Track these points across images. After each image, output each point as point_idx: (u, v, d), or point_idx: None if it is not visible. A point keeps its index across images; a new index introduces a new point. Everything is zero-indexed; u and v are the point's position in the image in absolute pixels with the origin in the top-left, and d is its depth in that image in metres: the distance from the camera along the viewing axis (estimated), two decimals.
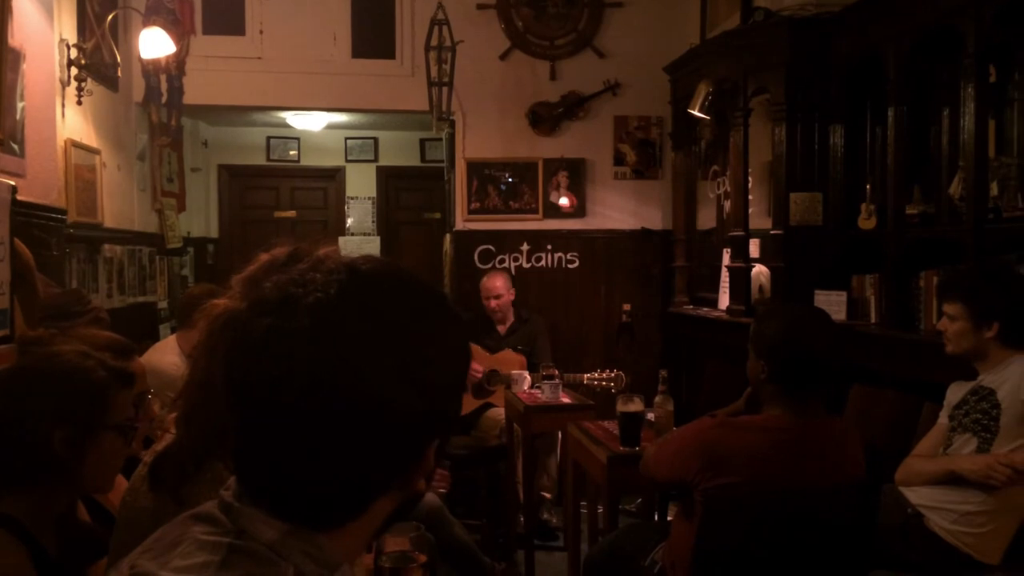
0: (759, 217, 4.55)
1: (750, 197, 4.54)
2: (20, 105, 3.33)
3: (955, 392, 2.73)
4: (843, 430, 2.34)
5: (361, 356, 0.79)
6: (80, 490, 1.63)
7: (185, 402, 1.45)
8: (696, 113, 4.74)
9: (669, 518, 3.35)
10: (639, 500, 4.57)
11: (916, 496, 2.64)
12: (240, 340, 0.82)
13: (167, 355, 3.43)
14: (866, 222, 3.86)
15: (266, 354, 0.79)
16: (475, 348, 4.68)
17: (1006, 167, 3.20)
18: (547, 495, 4.68)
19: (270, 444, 0.81)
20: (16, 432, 1.48)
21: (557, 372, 4.21)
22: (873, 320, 3.79)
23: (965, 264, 3.14)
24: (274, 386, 0.79)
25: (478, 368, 4.67)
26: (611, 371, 4.62)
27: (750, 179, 4.54)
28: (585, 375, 4.60)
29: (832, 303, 3.93)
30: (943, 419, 2.75)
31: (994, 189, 3.19)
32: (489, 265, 5.55)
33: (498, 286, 5.01)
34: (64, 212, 3.88)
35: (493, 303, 4.97)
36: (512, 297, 5.06)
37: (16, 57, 3.25)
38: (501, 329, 5.00)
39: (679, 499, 2.52)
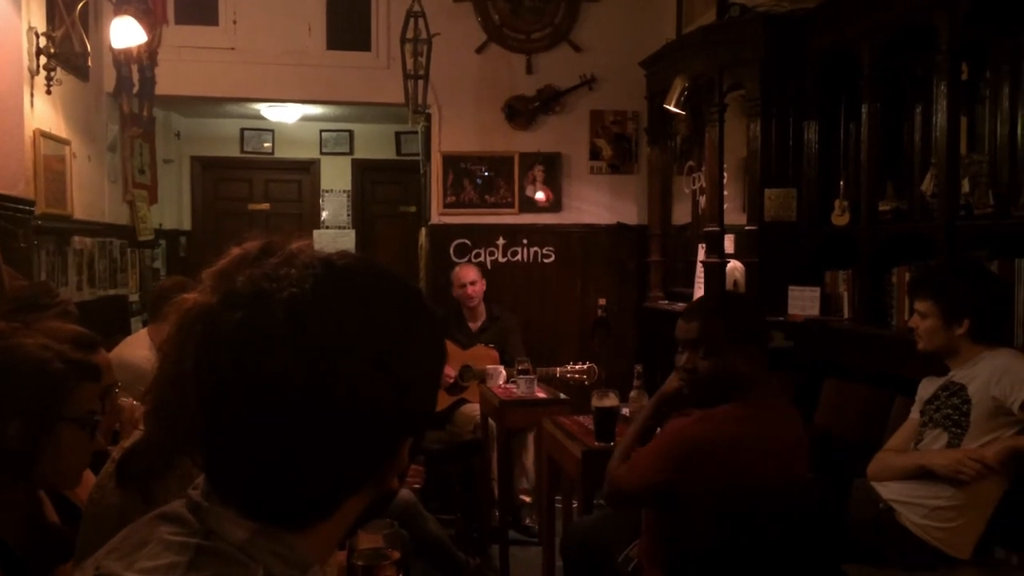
0: (734, 213, 4.56)
1: (725, 193, 4.55)
2: None
3: (926, 387, 2.76)
4: (799, 421, 2.36)
5: (335, 352, 0.77)
6: (41, 485, 1.60)
7: (154, 397, 1.42)
8: (672, 108, 4.75)
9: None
10: None
11: (887, 491, 2.66)
12: (211, 335, 0.80)
13: (138, 349, 3.38)
14: (839, 218, 3.89)
15: (238, 349, 0.78)
16: (448, 344, 4.66)
17: (977, 164, 3.23)
18: (526, 499, 4.59)
19: (240, 441, 0.79)
20: None
21: (531, 366, 4.21)
22: (846, 316, 3.82)
23: (936, 261, 3.17)
24: (245, 382, 0.77)
25: (449, 372, 4.64)
26: (584, 364, 4.63)
27: (725, 175, 4.55)
28: (558, 368, 4.61)
29: (806, 299, 3.96)
30: (914, 414, 2.77)
31: (966, 186, 3.22)
32: (465, 259, 5.53)
33: (470, 273, 5.01)
34: (32, 203, 3.82)
35: (469, 289, 4.94)
36: (483, 287, 5.04)
37: None
38: (473, 326, 4.98)
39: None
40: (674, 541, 2.28)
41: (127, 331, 4.78)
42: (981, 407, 2.54)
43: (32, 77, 3.98)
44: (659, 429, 2.43)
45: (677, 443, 2.23)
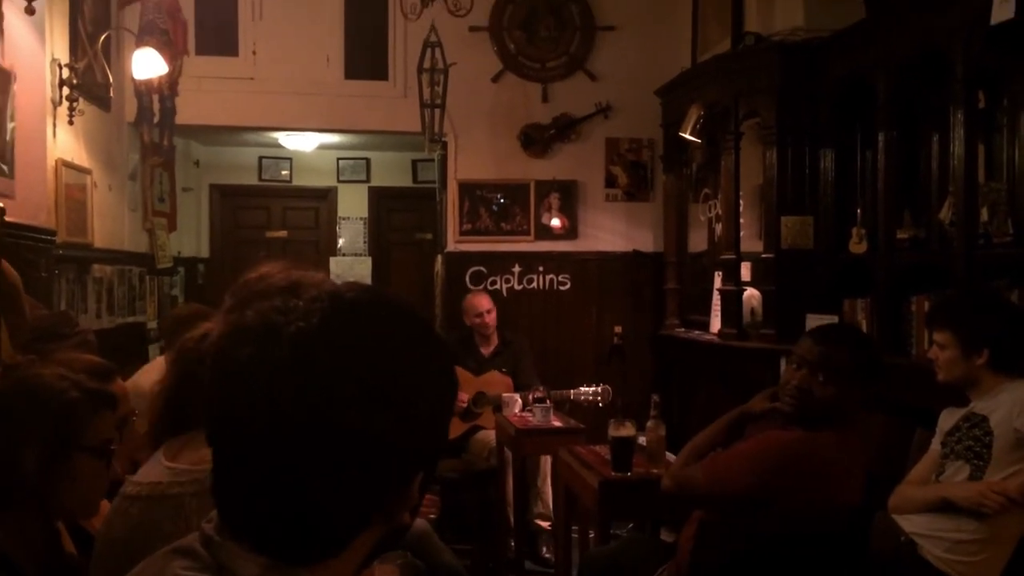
0: (750, 240, 4.55)
1: (741, 220, 4.55)
2: (10, 126, 3.32)
3: (947, 419, 2.72)
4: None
5: (342, 387, 0.77)
6: (59, 514, 1.60)
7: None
8: (687, 136, 4.76)
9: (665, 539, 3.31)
10: (631, 525, 4.54)
11: (909, 524, 2.62)
12: (220, 370, 0.80)
13: (155, 377, 3.38)
14: (857, 246, 3.87)
15: (246, 384, 0.78)
16: (459, 371, 4.64)
17: (996, 192, 3.22)
18: (544, 524, 4.54)
19: (248, 476, 0.79)
20: None
21: (547, 394, 4.20)
22: None
23: (952, 290, 3.14)
24: (253, 416, 0.77)
25: (462, 398, 4.63)
26: (598, 386, 4.62)
27: (741, 202, 4.55)
28: (572, 391, 4.60)
29: None
30: (935, 446, 2.73)
31: (984, 214, 3.20)
32: (480, 286, 5.54)
33: (485, 302, 5.01)
34: (53, 233, 3.86)
35: (487, 317, 4.93)
36: (496, 314, 5.04)
37: (6, 78, 3.25)
38: (485, 351, 4.96)
39: (675, 524, 2.49)
40: (716, 559, 2.27)
41: (145, 359, 4.80)
42: (1003, 439, 2.50)
43: (55, 108, 4.04)
44: (742, 439, 2.42)
45: (780, 455, 2.23)
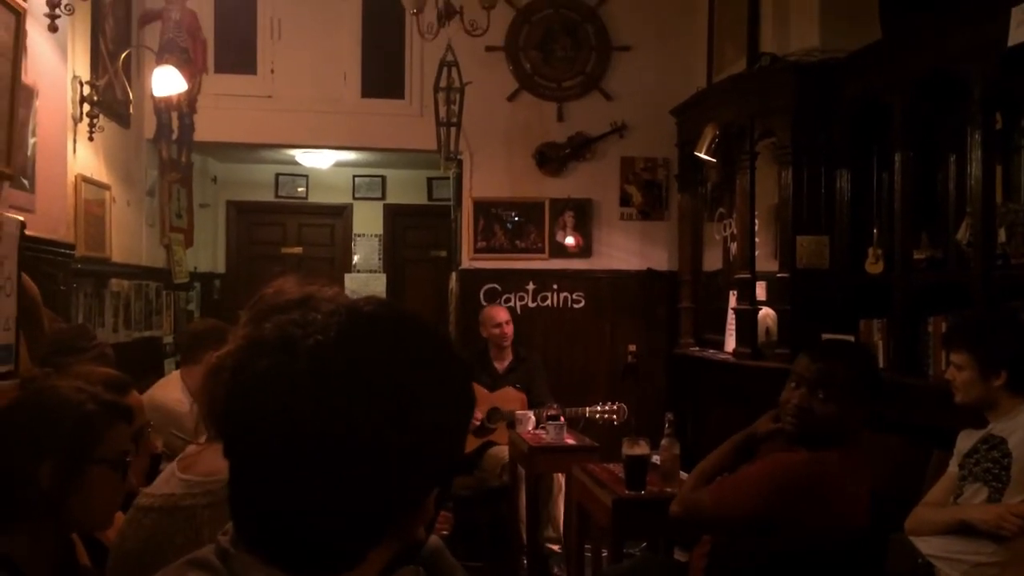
0: (765, 260, 4.54)
1: (756, 240, 4.54)
2: (32, 141, 3.36)
3: (965, 440, 2.70)
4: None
5: (358, 400, 0.77)
6: (73, 527, 1.61)
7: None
8: (703, 156, 4.76)
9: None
10: (644, 544, 4.51)
11: (926, 546, 2.60)
12: (238, 382, 0.81)
13: (170, 391, 3.41)
14: (873, 266, 3.85)
15: (264, 397, 0.78)
16: (474, 386, 4.64)
17: (1013, 213, 3.20)
18: (555, 547, 4.50)
19: (265, 488, 0.79)
20: (4, 466, 1.46)
21: (560, 411, 4.19)
22: (881, 365, 3.76)
23: (970, 311, 3.12)
24: (270, 429, 0.77)
25: (477, 415, 4.62)
26: (613, 404, 4.60)
27: (756, 222, 4.54)
28: (587, 408, 4.59)
29: None
30: (953, 468, 2.71)
31: (1002, 235, 3.18)
32: (495, 303, 5.54)
33: (504, 313, 5.01)
34: (72, 247, 3.89)
35: (505, 328, 4.92)
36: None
37: (29, 94, 3.29)
38: (499, 366, 4.96)
39: (688, 544, 2.48)
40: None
41: (160, 373, 4.83)
42: (1022, 461, 2.48)
43: (75, 124, 4.09)
44: (749, 461, 2.40)
45: (788, 477, 2.20)
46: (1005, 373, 2.56)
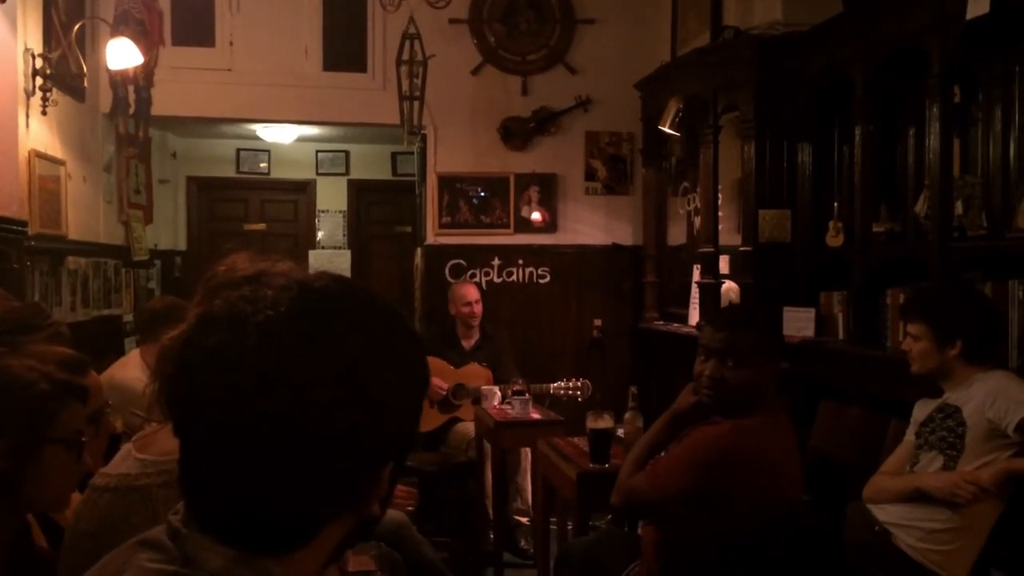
0: (729, 233, 4.57)
1: (720, 214, 4.56)
2: None
3: (921, 409, 2.75)
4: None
5: (308, 375, 0.76)
6: (28, 507, 1.58)
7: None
8: (666, 130, 4.77)
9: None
10: (609, 517, 4.55)
11: (883, 514, 2.65)
12: (187, 359, 0.79)
13: (130, 370, 3.37)
14: (834, 239, 3.89)
15: (212, 372, 0.77)
16: (439, 362, 4.64)
17: (971, 186, 3.24)
18: (523, 520, 4.54)
19: (215, 467, 0.78)
20: None
21: (526, 386, 4.20)
22: (841, 337, 3.82)
23: (927, 283, 3.17)
24: (219, 405, 0.76)
25: (442, 385, 4.62)
26: (577, 380, 4.63)
27: (720, 196, 4.56)
28: (552, 385, 4.61)
29: (800, 320, 3.96)
30: (909, 436, 2.76)
31: (959, 208, 3.23)
32: (461, 279, 5.53)
33: (475, 292, 4.96)
34: (25, 224, 3.81)
35: (476, 307, 4.88)
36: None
37: None
38: (466, 344, 4.94)
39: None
40: (679, 557, 2.26)
41: (120, 352, 4.76)
42: (976, 429, 2.53)
43: (28, 98, 3.99)
44: (677, 440, 2.40)
45: (713, 451, 2.21)
46: (960, 343, 2.60)
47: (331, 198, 7.76)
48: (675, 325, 5.06)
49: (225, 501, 0.78)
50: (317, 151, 7.63)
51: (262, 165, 7.57)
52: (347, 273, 7.35)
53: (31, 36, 4.02)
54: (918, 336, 2.69)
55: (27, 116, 3.97)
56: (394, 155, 7.60)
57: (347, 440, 0.78)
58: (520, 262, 5.70)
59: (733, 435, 2.21)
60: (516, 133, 5.67)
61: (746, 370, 2.25)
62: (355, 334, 0.81)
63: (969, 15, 2.98)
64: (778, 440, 2.25)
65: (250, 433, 0.76)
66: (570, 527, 3.48)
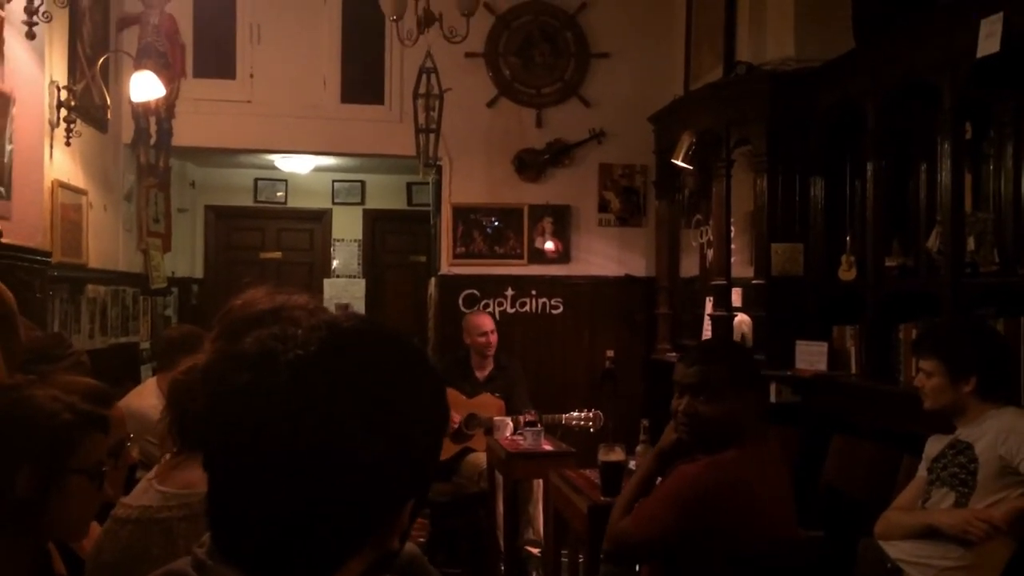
0: (741, 266, 4.59)
1: (732, 246, 4.58)
2: (8, 148, 3.35)
3: (933, 445, 2.74)
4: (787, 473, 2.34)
5: (335, 412, 0.79)
6: (48, 536, 1.61)
7: None
8: (679, 163, 4.80)
9: None
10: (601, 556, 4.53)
11: (895, 550, 2.64)
12: (218, 395, 0.83)
13: (146, 398, 3.40)
14: (846, 273, 3.90)
15: (242, 408, 0.80)
16: (452, 392, 4.65)
17: (982, 222, 3.26)
18: (534, 551, 4.50)
19: (242, 499, 0.81)
20: None
21: (538, 418, 4.22)
22: (854, 371, 3.81)
23: (940, 319, 3.17)
24: (249, 441, 0.79)
25: (454, 415, 4.63)
26: (589, 411, 4.63)
27: (732, 228, 4.59)
28: (564, 415, 4.61)
29: (813, 353, 3.96)
30: (922, 472, 2.75)
31: (971, 244, 3.24)
32: (474, 309, 5.55)
33: (490, 322, 4.99)
34: (49, 255, 3.87)
35: (491, 337, 4.90)
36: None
37: (6, 101, 3.28)
38: (480, 374, 4.96)
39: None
40: None
41: (137, 379, 4.80)
42: (988, 466, 2.52)
43: (52, 129, 4.07)
44: (660, 479, 2.41)
45: (688, 489, 2.19)
46: (974, 379, 2.60)
47: (347, 227, 7.83)
48: None
49: (251, 534, 0.81)
50: (333, 181, 7.71)
51: (279, 194, 7.65)
52: (361, 302, 7.40)
53: (56, 68, 4.11)
54: (931, 372, 2.68)
55: (51, 147, 4.05)
56: (409, 185, 7.67)
57: (371, 475, 0.81)
58: (533, 293, 5.73)
59: (708, 471, 2.19)
60: (530, 165, 5.72)
61: (720, 403, 2.23)
62: (381, 373, 0.84)
63: (980, 53, 3.01)
64: (759, 472, 2.21)
65: (278, 468, 0.79)
66: (581, 560, 3.47)
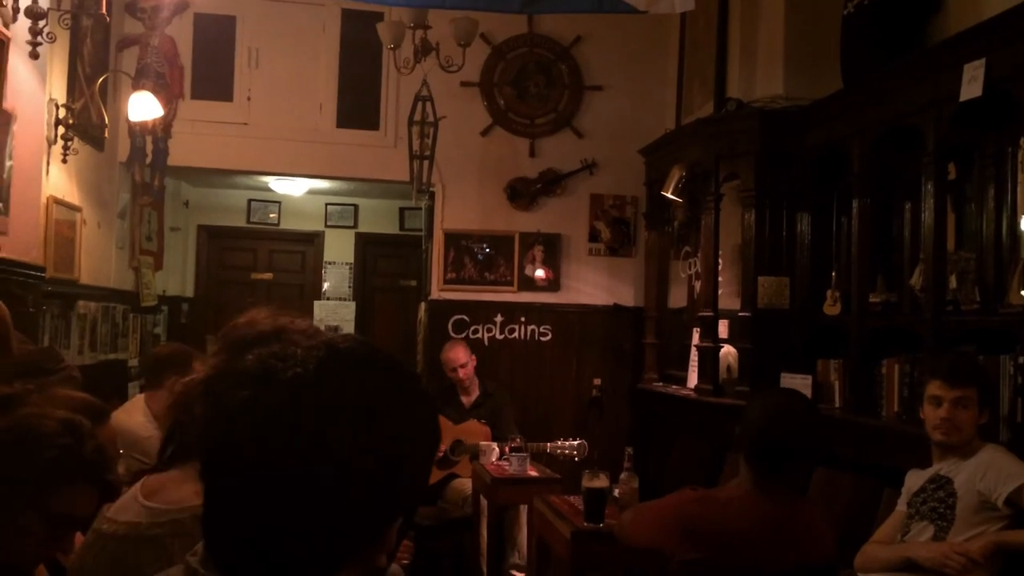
0: (728, 298, 4.64)
1: (720, 279, 4.64)
2: (8, 164, 3.38)
3: (913, 479, 2.78)
4: (812, 513, 2.37)
5: (332, 431, 0.82)
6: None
7: None
8: (669, 195, 4.87)
9: None
10: None
11: None
12: (217, 409, 0.86)
13: (134, 416, 3.40)
14: (831, 308, 3.96)
15: (241, 423, 0.83)
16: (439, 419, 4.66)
17: (965, 261, 3.32)
18: (519, 574, 4.46)
19: (237, 511, 0.84)
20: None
21: (523, 444, 4.23)
22: (837, 404, 3.86)
23: (962, 350, 3.14)
24: (246, 455, 0.82)
25: (441, 448, 4.63)
26: (574, 440, 4.64)
27: (720, 261, 4.64)
28: (549, 444, 4.62)
29: (798, 386, 3.99)
30: (901, 506, 2.79)
31: (953, 282, 3.29)
32: (463, 335, 5.58)
33: (460, 356, 4.95)
34: (42, 269, 3.89)
35: (461, 372, 4.92)
36: (474, 363, 5.02)
37: (7, 119, 3.31)
38: (466, 401, 4.97)
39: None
40: None
41: (124, 396, 4.80)
42: (966, 500, 2.56)
43: (50, 146, 4.10)
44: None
45: (673, 513, 2.26)
46: (987, 412, 2.64)
47: (338, 250, 7.86)
48: (674, 387, 5.10)
49: (244, 544, 0.84)
50: (327, 204, 7.75)
51: (272, 216, 7.69)
52: (351, 324, 7.41)
53: (56, 87, 4.15)
54: (968, 402, 2.60)
55: (48, 163, 4.09)
56: (402, 210, 7.72)
57: (362, 493, 0.84)
58: (523, 319, 5.77)
59: (695, 504, 2.25)
60: (522, 193, 5.78)
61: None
62: (376, 394, 0.87)
63: (963, 97, 3.09)
64: (746, 514, 2.20)
65: (273, 481, 0.82)
66: None
